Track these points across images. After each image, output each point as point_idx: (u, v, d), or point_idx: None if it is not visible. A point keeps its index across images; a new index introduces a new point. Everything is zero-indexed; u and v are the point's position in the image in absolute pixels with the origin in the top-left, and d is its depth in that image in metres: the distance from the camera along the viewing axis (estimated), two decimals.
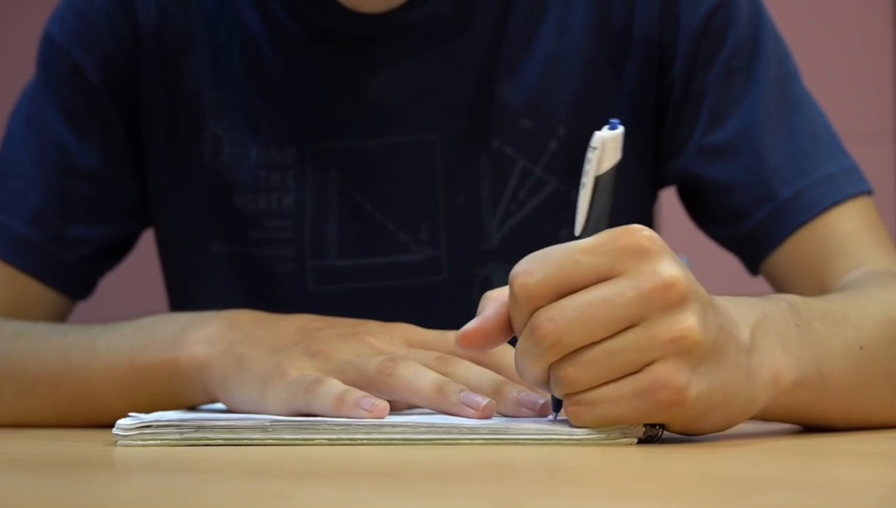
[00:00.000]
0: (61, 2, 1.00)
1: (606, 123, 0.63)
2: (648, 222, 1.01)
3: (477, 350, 0.65)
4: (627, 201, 0.97)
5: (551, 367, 0.60)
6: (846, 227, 0.91)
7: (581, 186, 0.64)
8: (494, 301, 0.63)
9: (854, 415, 0.72)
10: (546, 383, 0.61)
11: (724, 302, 0.64)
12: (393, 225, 0.95)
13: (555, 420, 0.63)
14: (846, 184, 0.92)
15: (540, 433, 0.61)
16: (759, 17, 0.96)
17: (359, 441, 0.63)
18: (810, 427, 0.72)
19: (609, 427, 0.60)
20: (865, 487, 0.48)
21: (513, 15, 0.95)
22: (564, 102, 0.95)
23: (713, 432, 0.63)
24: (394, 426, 0.63)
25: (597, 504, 0.43)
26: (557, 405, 0.64)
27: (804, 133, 0.93)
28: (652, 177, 0.98)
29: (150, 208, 1.01)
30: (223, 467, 0.56)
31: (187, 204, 0.99)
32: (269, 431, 0.63)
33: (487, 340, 0.63)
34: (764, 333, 0.64)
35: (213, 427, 0.64)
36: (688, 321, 0.59)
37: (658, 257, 0.59)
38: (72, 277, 0.99)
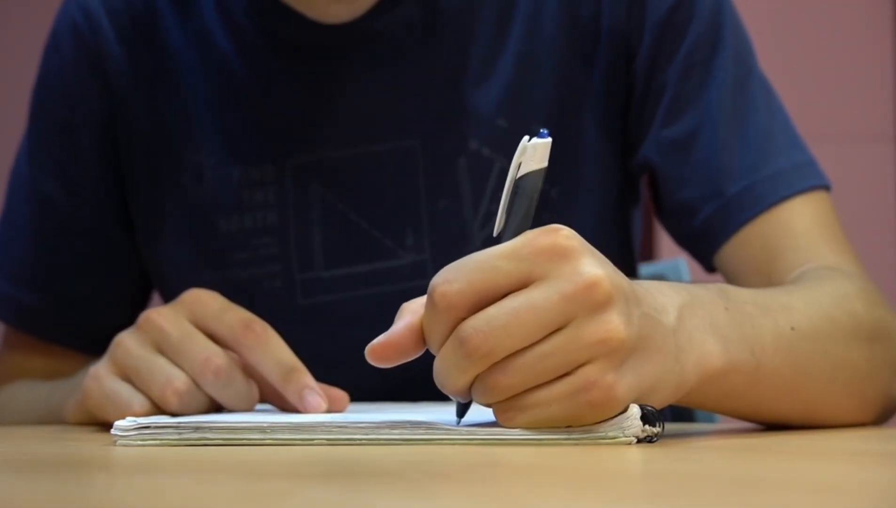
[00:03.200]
0: (42, 54, 1.03)
1: (537, 132, 0.64)
2: (628, 219, 1.01)
3: (387, 365, 0.63)
4: (607, 197, 0.98)
5: (478, 376, 0.60)
6: (795, 223, 0.90)
7: (504, 191, 0.64)
8: (408, 313, 0.63)
9: (794, 402, 0.71)
10: (468, 392, 0.61)
11: (650, 287, 0.64)
12: (378, 232, 0.95)
13: (457, 426, 0.63)
14: (797, 179, 0.92)
15: (538, 434, 0.61)
16: (721, 12, 0.96)
17: (358, 442, 0.62)
18: (810, 428, 0.72)
19: (607, 427, 0.60)
20: (865, 487, 0.48)
21: (481, 16, 0.96)
22: (539, 101, 0.95)
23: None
24: (392, 426, 0.62)
25: (596, 504, 0.43)
26: (463, 410, 0.64)
27: (758, 130, 0.93)
28: (626, 172, 0.99)
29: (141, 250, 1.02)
30: (222, 467, 0.56)
31: (174, 237, 0.99)
32: (267, 431, 0.63)
33: (397, 353, 0.63)
34: (692, 314, 0.65)
35: (211, 428, 0.64)
36: (612, 322, 0.59)
37: (578, 257, 0.60)
38: (81, 334, 1.02)
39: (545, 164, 0.63)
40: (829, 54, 2.22)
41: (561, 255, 0.59)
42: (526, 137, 0.64)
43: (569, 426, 0.60)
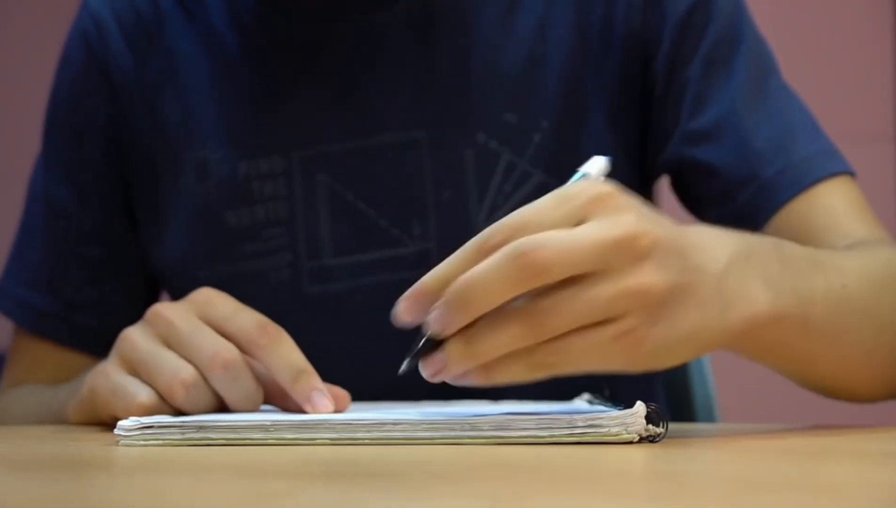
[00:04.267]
0: (58, 63, 1.05)
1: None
2: None
3: (414, 318, 0.62)
4: None
5: (527, 306, 0.60)
6: (832, 202, 0.92)
7: None
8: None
9: (837, 361, 0.73)
10: (476, 316, 0.60)
11: (704, 237, 0.65)
12: (385, 222, 0.96)
13: (406, 367, 0.62)
14: (828, 162, 0.94)
15: (539, 431, 0.61)
16: (739, 12, 0.98)
17: (360, 441, 0.63)
18: (808, 426, 0.72)
19: (608, 425, 0.60)
20: (866, 487, 0.48)
21: (485, 9, 0.96)
22: (547, 97, 0.96)
23: (684, 361, 0.65)
24: (395, 424, 0.63)
25: (597, 504, 0.43)
26: (429, 347, 0.62)
27: (782, 118, 0.95)
28: (642, 172, 0.99)
29: (148, 254, 1.03)
30: (223, 467, 0.56)
31: (177, 233, 1.00)
32: (270, 431, 0.63)
33: (427, 298, 0.62)
34: (745, 262, 0.66)
35: (214, 427, 0.64)
36: (650, 275, 0.60)
37: (626, 208, 0.61)
38: (91, 337, 1.03)
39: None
40: (829, 54, 2.22)
41: (610, 204, 0.61)
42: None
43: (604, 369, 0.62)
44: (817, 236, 0.90)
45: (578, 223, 0.61)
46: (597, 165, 0.66)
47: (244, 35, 0.99)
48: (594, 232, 0.60)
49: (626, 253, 0.60)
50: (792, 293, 0.68)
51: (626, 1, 0.96)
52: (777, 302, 0.66)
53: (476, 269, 0.60)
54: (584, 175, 0.66)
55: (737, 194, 0.94)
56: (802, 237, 0.90)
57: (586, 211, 0.61)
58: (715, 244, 0.65)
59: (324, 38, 0.97)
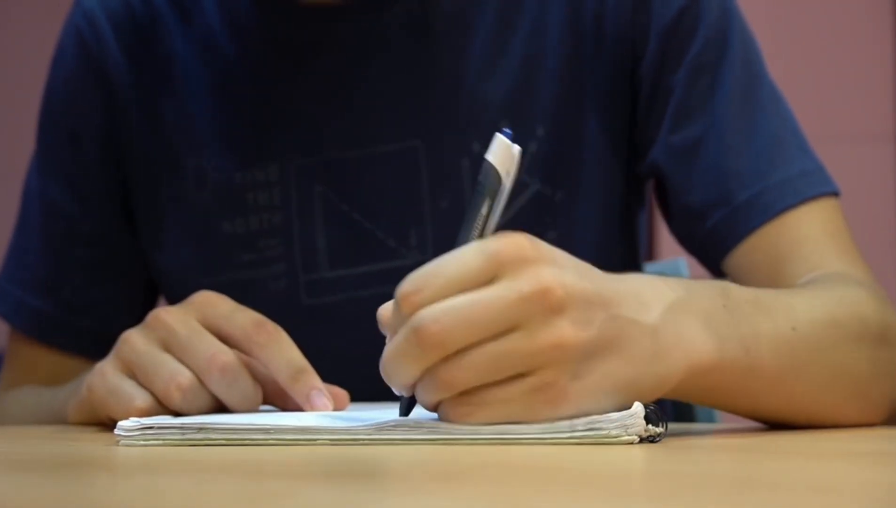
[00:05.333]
0: (50, 64, 1.04)
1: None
2: (633, 222, 1.01)
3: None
4: (611, 200, 0.98)
5: (428, 370, 0.61)
6: (803, 230, 0.90)
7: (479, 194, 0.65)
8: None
9: (787, 402, 0.71)
10: (412, 386, 0.62)
11: (637, 285, 0.64)
12: (381, 233, 0.96)
13: (398, 420, 0.64)
14: (805, 186, 0.91)
15: (540, 433, 0.61)
16: (728, 17, 0.96)
17: (361, 442, 0.63)
18: (810, 428, 0.72)
19: (608, 427, 0.61)
20: (865, 487, 0.48)
21: (482, 17, 0.96)
22: (542, 103, 0.95)
23: (618, 408, 0.64)
24: (395, 425, 0.63)
25: (597, 504, 0.43)
26: (409, 407, 0.65)
27: (766, 136, 0.93)
28: (633, 173, 0.99)
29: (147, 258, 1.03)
30: (224, 467, 0.56)
31: (175, 241, 1.00)
32: (270, 432, 0.63)
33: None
34: (685, 310, 0.65)
35: (214, 428, 0.64)
36: (564, 328, 0.60)
37: (540, 262, 0.61)
38: (88, 340, 1.03)
39: (511, 173, 0.65)
40: (829, 54, 2.22)
41: (524, 259, 0.61)
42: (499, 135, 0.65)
43: (524, 422, 0.61)
44: (783, 266, 0.89)
45: (493, 279, 0.60)
46: (500, 147, 0.65)
47: (240, 37, 0.98)
48: (500, 293, 0.60)
49: (538, 308, 0.60)
50: (736, 339, 0.67)
51: (615, 1, 0.95)
52: (719, 348, 0.66)
53: (386, 351, 0.62)
54: (490, 165, 0.65)
55: (707, 216, 0.92)
56: (767, 266, 0.89)
57: (500, 268, 0.60)
58: (650, 294, 0.64)
59: (321, 41, 0.96)
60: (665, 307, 0.64)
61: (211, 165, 0.98)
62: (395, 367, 0.61)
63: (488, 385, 0.61)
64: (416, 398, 0.63)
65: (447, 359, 0.60)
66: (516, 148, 0.65)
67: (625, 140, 0.97)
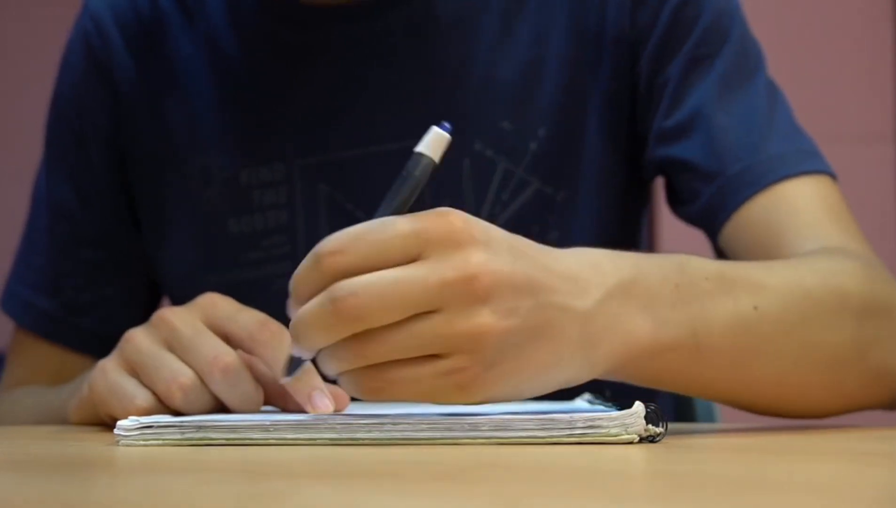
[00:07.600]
0: (59, 66, 1.05)
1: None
2: (635, 222, 1.02)
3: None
4: (612, 201, 0.98)
5: (343, 340, 0.61)
6: (797, 202, 0.88)
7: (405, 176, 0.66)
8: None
9: (745, 385, 0.70)
10: (316, 351, 0.62)
11: (576, 268, 0.64)
12: None
13: (288, 380, 0.65)
14: (799, 161, 0.90)
15: (540, 432, 0.61)
16: (730, 10, 0.96)
17: (361, 441, 0.63)
18: (808, 425, 0.72)
19: (607, 426, 0.60)
20: (865, 487, 0.48)
21: (485, 17, 0.96)
22: (543, 104, 0.96)
23: (544, 393, 0.65)
24: (395, 423, 0.63)
25: (597, 504, 0.43)
26: (296, 366, 0.66)
27: (758, 116, 0.92)
28: (636, 174, 0.99)
29: (150, 258, 1.03)
30: (224, 467, 0.56)
31: (180, 241, 1.00)
32: (270, 431, 0.63)
33: None
34: (624, 294, 0.64)
35: (214, 427, 0.64)
36: (483, 317, 0.60)
37: (470, 245, 0.60)
38: (92, 339, 1.03)
39: (436, 159, 0.66)
40: (829, 54, 2.22)
41: (454, 241, 0.60)
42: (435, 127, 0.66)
43: (433, 402, 0.62)
44: (777, 238, 0.87)
45: (416, 258, 0.60)
46: (434, 140, 0.66)
47: (245, 38, 0.99)
48: (423, 274, 0.60)
49: (459, 294, 0.60)
50: (683, 321, 0.66)
51: (616, 3, 0.95)
52: (660, 332, 0.65)
53: (300, 313, 0.62)
54: (421, 156, 0.65)
55: (703, 190, 0.92)
56: (762, 240, 0.88)
57: (427, 246, 0.60)
58: (590, 276, 0.64)
59: (325, 42, 0.97)
60: (604, 292, 0.64)
61: (216, 165, 0.98)
62: (306, 331, 0.61)
63: (399, 362, 0.61)
64: (318, 362, 0.63)
65: (363, 334, 0.60)
66: (446, 137, 0.66)
67: (626, 139, 0.97)
